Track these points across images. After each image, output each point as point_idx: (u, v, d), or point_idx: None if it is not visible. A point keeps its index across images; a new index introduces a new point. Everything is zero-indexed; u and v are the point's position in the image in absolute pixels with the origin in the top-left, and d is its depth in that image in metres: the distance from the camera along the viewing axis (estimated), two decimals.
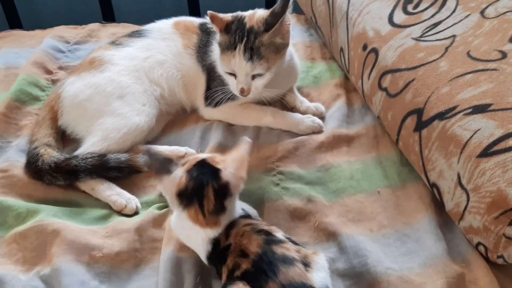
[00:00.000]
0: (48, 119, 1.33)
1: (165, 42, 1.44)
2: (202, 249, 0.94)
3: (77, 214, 1.16)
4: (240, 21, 1.26)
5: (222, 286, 0.87)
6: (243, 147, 0.94)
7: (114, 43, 1.46)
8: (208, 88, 1.41)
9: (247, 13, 1.30)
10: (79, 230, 1.10)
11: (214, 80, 1.39)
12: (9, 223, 1.13)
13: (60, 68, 1.62)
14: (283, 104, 1.46)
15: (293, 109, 1.45)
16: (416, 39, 1.24)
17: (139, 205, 1.17)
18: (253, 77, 1.26)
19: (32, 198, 1.19)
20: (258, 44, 1.22)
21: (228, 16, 1.28)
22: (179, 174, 0.91)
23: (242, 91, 1.26)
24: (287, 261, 0.84)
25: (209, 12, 1.25)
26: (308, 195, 1.15)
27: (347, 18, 1.49)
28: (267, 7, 1.46)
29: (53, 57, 1.65)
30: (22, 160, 1.27)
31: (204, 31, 1.45)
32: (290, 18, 1.26)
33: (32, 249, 1.07)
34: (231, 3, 1.72)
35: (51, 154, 1.23)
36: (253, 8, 1.33)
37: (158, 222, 1.12)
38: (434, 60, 1.15)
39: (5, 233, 1.11)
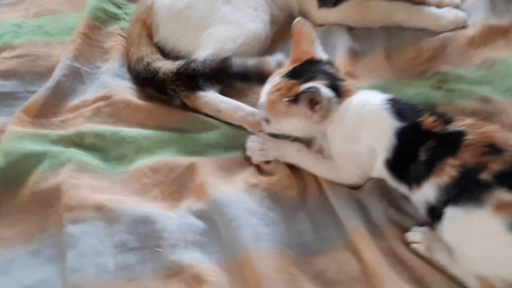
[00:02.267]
0: (144, 36, 1.12)
1: None
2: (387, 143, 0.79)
3: (200, 141, 0.97)
4: None
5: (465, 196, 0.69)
6: None
7: None
8: None
9: None
10: (217, 160, 0.92)
11: None
12: (129, 156, 0.94)
13: None
14: None
15: (420, 4, 1.22)
16: None
17: None
18: None
19: (145, 125, 1.00)
20: None
21: None
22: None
23: None
24: None
25: None
26: (481, 96, 0.96)
27: None
28: None
29: None
30: (122, 84, 1.07)
31: None
32: None
33: (169, 183, 0.89)
34: None
35: (168, 64, 1.02)
36: None
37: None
38: None
39: (128, 168, 0.93)
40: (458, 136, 0.73)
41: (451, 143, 0.73)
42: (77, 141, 0.95)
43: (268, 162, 0.92)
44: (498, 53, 1.07)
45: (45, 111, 1.02)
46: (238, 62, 0.98)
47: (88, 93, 1.06)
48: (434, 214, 0.74)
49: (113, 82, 1.07)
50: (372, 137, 0.82)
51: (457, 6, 1.20)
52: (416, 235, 0.77)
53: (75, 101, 1.05)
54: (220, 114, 1.00)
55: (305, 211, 0.85)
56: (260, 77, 0.94)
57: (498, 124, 0.90)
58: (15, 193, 0.87)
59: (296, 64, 0.87)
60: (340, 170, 0.85)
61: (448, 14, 1.15)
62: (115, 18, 1.25)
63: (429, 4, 1.21)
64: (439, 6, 1.20)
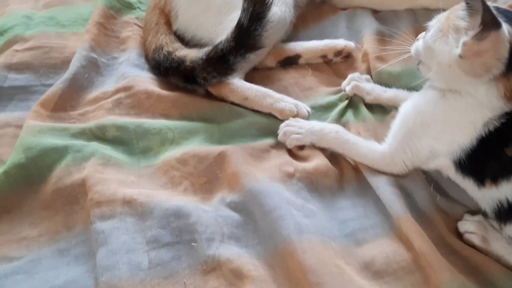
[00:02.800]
0: (162, 24, 1.07)
1: None
2: (465, 140, 0.72)
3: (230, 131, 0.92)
4: None
5: None
6: None
7: None
8: None
9: None
10: (247, 148, 0.88)
11: None
12: (155, 149, 0.90)
13: None
14: None
15: None
16: None
17: (309, 109, 0.94)
18: None
19: (169, 116, 0.95)
20: None
21: None
22: (506, 29, 0.67)
23: None
24: None
25: None
26: None
27: None
28: None
29: None
30: (142, 74, 1.02)
31: None
32: None
33: (199, 175, 0.85)
34: None
35: (194, 51, 0.97)
36: None
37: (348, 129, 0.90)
38: None
39: (154, 160, 0.88)
40: None
41: None
42: (99, 135, 0.91)
43: (302, 148, 0.87)
44: None
45: (63, 104, 0.97)
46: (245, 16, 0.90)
47: (108, 84, 1.02)
48: (505, 214, 0.70)
49: (133, 72, 1.02)
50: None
51: None
52: (470, 225, 0.74)
53: (94, 93, 1.00)
54: (247, 102, 0.95)
55: (344, 199, 0.81)
56: None
57: None
58: (37, 190, 0.82)
59: None
60: (387, 155, 0.80)
61: None
62: (129, 7, 1.20)
63: None
64: None
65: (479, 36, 0.67)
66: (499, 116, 0.71)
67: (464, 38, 0.69)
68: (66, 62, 1.05)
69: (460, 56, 0.70)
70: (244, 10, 0.89)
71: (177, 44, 1.02)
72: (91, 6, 1.18)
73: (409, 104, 0.80)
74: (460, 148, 0.73)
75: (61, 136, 0.89)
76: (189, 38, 1.07)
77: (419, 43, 0.79)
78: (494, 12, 0.66)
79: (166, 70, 0.99)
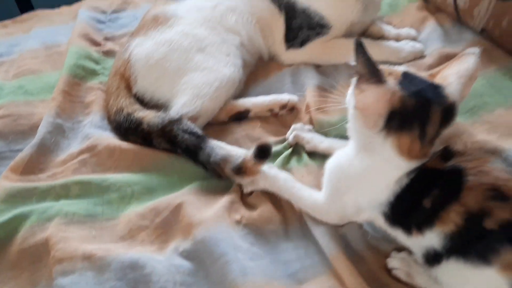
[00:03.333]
0: (123, 88, 1.16)
1: None
2: (383, 197, 0.75)
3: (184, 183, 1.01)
4: None
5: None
6: (471, 58, 0.73)
7: None
8: (289, 28, 1.27)
9: None
10: (200, 194, 0.96)
11: (296, 17, 1.24)
12: (116, 203, 0.97)
13: (106, 39, 1.46)
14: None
15: (379, 39, 1.32)
16: None
17: None
18: None
19: (131, 170, 1.03)
20: None
21: None
22: (390, 86, 0.71)
23: None
24: None
25: None
26: None
27: None
28: None
29: (95, 28, 1.48)
30: (105, 134, 1.11)
31: None
32: None
33: (156, 227, 0.92)
34: None
35: (152, 114, 1.07)
36: None
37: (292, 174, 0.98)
38: None
39: (116, 214, 0.95)
40: (459, 176, 0.69)
41: (453, 185, 0.70)
42: (63, 194, 0.98)
43: (250, 193, 0.96)
44: None
45: (32, 167, 1.04)
46: (209, 149, 0.99)
47: (73, 146, 1.10)
48: (433, 259, 0.72)
49: (96, 133, 1.10)
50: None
51: (414, 38, 1.29)
52: (396, 261, 0.80)
53: (61, 156, 1.08)
54: None
55: (288, 242, 0.88)
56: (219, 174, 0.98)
57: (461, 144, 0.98)
58: (5, 251, 0.89)
59: None
60: (323, 208, 0.85)
61: (407, 47, 1.23)
62: (93, 73, 1.30)
63: (388, 38, 1.30)
64: (397, 39, 1.28)
65: (358, 87, 0.72)
66: (408, 172, 0.73)
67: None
68: (34, 128, 1.14)
69: (355, 107, 0.75)
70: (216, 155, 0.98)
71: (136, 106, 1.12)
72: (58, 74, 1.27)
73: (333, 160, 0.85)
74: (382, 203, 0.76)
75: (29, 198, 0.97)
76: (148, 99, 1.16)
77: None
78: (384, 70, 0.72)
79: (126, 130, 1.08)
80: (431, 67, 1.18)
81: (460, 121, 1.02)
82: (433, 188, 0.71)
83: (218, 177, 0.98)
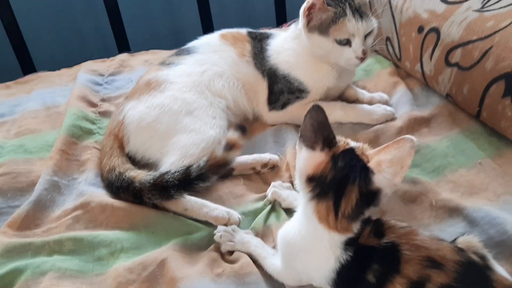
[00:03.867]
0: (116, 147, 1.25)
1: (217, 54, 1.41)
2: (326, 270, 0.79)
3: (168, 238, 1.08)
4: None
5: None
6: (406, 146, 0.75)
7: (164, 63, 1.42)
8: (271, 92, 1.38)
9: None
10: (184, 249, 1.03)
11: (278, 82, 1.36)
12: (107, 258, 1.03)
13: (103, 100, 1.56)
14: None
15: (355, 102, 1.44)
16: (478, 10, 1.25)
17: (240, 216, 1.10)
18: (365, 37, 1.28)
19: (121, 227, 1.10)
20: (357, 5, 1.26)
21: None
22: (322, 156, 0.79)
23: (364, 53, 1.25)
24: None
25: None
26: (410, 178, 1.12)
27: (390, 8, 1.50)
28: None
29: (93, 90, 1.59)
30: (98, 191, 1.18)
31: (255, 38, 1.44)
32: None
33: (142, 281, 0.98)
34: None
35: (143, 173, 1.15)
36: None
37: (265, 234, 1.07)
38: (508, 25, 1.15)
39: (106, 269, 1.02)
40: (395, 251, 0.74)
41: (392, 259, 0.74)
42: (57, 249, 1.04)
43: (231, 252, 1.03)
44: (423, 139, 1.24)
45: (28, 223, 1.11)
46: (194, 167, 1.11)
47: (68, 202, 1.17)
48: None
49: (89, 190, 1.18)
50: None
51: (386, 102, 1.41)
52: None
53: (56, 212, 1.15)
54: (187, 212, 1.12)
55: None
56: (212, 171, 1.10)
57: (427, 202, 1.07)
58: None
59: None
60: (282, 273, 0.92)
61: (379, 110, 1.34)
62: (90, 133, 1.39)
63: (362, 102, 1.42)
64: (370, 103, 1.40)
65: (298, 146, 0.83)
66: (344, 248, 0.78)
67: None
68: (31, 185, 1.21)
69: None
70: (199, 167, 1.09)
71: (128, 165, 1.20)
72: (56, 133, 1.36)
73: (282, 229, 0.90)
74: (327, 276, 0.80)
75: (24, 253, 1.03)
76: (140, 158, 1.26)
77: None
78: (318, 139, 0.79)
79: (118, 189, 1.16)
80: (401, 128, 1.29)
81: (426, 179, 1.12)
82: (372, 264, 0.75)
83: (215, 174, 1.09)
